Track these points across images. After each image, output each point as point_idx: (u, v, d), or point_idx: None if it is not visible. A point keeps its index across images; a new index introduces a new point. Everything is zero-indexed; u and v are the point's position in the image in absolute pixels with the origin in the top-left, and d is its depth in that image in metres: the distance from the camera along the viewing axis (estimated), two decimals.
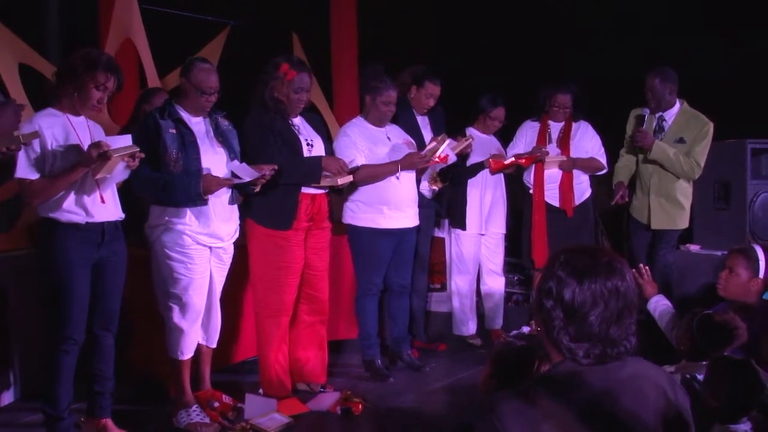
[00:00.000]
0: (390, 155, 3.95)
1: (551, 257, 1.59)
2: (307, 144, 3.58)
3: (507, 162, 4.59)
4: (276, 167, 3.32)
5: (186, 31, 5.96)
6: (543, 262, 4.62)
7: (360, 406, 3.49)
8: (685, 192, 4.38)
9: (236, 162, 3.31)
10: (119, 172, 2.93)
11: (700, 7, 5.24)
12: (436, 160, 3.96)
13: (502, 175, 4.72)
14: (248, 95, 3.59)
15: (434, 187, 4.38)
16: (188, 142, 3.21)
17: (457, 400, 3.75)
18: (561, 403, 1.43)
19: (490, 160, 4.56)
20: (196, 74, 3.23)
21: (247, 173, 3.24)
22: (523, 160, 4.58)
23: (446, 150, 3.98)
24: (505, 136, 4.83)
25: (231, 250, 3.43)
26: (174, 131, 3.19)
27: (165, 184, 3.13)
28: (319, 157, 3.55)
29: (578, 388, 1.46)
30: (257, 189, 3.36)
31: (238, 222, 3.46)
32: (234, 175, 3.29)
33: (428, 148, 4.01)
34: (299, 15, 6.33)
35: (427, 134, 4.39)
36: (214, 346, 3.50)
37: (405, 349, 4.24)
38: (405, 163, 3.89)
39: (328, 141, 3.81)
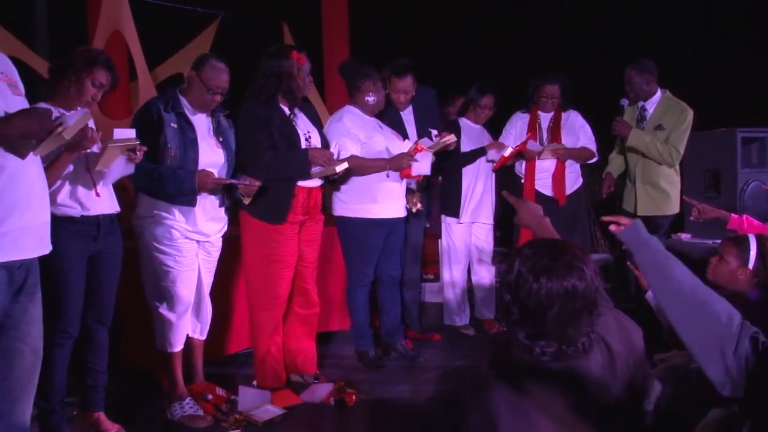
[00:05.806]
0: (386, 143, 3.95)
1: (517, 249, 1.54)
2: (305, 137, 3.56)
3: (507, 155, 4.58)
4: (259, 183, 3.29)
5: (175, 23, 5.93)
6: None
7: (354, 397, 3.50)
8: (669, 178, 4.39)
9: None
10: (120, 166, 2.90)
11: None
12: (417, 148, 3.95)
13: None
14: (239, 87, 3.56)
15: (413, 209, 4.21)
16: (188, 140, 3.17)
17: (450, 390, 3.75)
18: (556, 395, 1.41)
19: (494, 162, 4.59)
20: (207, 71, 3.19)
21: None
22: (519, 146, 4.57)
23: (423, 143, 3.95)
24: (495, 128, 4.83)
25: (219, 244, 3.42)
26: (175, 125, 3.15)
27: (159, 175, 3.10)
28: (306, 150, 3.51)
29: (573, 381, 1.45)
30: (247, 201, 3.35)
31: (226, 220, 3.44)
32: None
33: (411, 149, 3.98)
34: (290, 5, 6.31)
35: (410, 129, 4.33)
36: (204, 337, 3.50)
37: (398, 339, 4.25)
38: (393, 163, 3.89)
39: (321, 131, 3.79)
